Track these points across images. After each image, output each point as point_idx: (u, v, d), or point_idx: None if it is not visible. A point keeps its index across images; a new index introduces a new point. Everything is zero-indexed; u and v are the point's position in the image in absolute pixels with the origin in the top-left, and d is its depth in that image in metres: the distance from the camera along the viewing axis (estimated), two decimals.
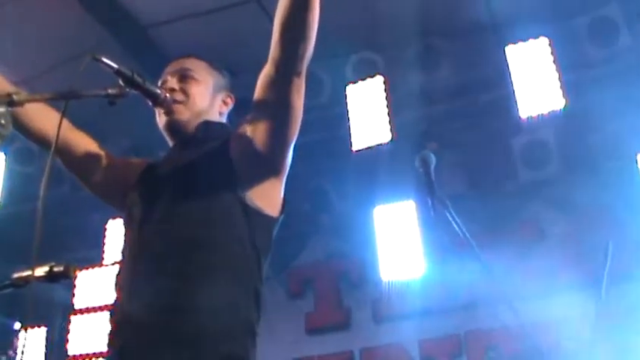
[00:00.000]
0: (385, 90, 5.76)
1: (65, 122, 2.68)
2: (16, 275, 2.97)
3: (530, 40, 5.54)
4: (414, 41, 5.87)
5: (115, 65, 2.35)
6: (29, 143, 7.13)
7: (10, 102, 1.93)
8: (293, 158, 2.59)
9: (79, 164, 2.83)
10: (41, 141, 2.75)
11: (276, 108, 2.49)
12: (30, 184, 7.05)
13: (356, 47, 6.02)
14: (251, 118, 2.54)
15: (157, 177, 2.65)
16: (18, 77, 6.55)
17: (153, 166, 2.75)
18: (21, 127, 2.69)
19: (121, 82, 2.36)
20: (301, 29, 2.38)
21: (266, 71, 2.48)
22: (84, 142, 2.83)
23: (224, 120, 2.89)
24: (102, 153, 2.83)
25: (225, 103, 2.89)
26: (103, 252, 6.89)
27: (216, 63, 2.95)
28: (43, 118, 2.67)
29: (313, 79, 6.01)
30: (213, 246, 2.40)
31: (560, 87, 5.40)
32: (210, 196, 2.47)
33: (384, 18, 5.88)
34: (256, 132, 2.50)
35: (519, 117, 5.47)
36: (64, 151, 2.77)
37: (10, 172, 6.75)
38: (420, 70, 5.86)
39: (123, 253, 2.59)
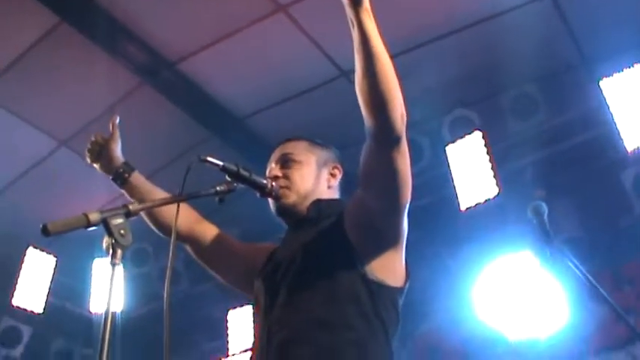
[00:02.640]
0: (485, 145, 5.71)
1: (193, 214, 2.87)
2: None
3: (625, 70, 5.41)
4: (505, 91, 5.84)
5: (220, 163, 2.42)
6: (143, 244, 7.37)
7: (127, 213, 2.01)
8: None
9: (208, 254, 2.93)
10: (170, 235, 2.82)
11: (383, 176, 2.43)
12: (147, 284, 7.24)
13: (449, 107, 6.02)
14: (361, 191, 2.52)
15: (276, 262, 2.66)
16: None
17: (275, 250, 2.79)
18: (154, 224, 2.95)
19: (227, 177, 2.44)
20: (380, 92, 2.30)
21: (366, 143, 2.45)
22: (211, 232, 2.93)
23: (336, 193, 2.91)
24: (230, 241, 2.92)
25: (332, 175, 2.90)
26: (228, 342, 6.95)
27: (318, 139, 2.99)
28: (171, 214, 2.70)
29: (412, 145, 6.00)
30: (339, 325, 2.38)
31: None
32: (330, 275, 2.45)
33: (473, 73, 5.89)
34: (368, 203, 2.48)
35: (626, 150, 5.32)
36: (193, 242, 2.88)
37: (126, 275, 6.95)
38: (517, 119, 5.81)
39: (253, 343, 2.61)
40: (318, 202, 2.75)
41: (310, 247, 2.55)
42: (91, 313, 7.09)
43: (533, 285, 5.55)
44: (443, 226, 6.06)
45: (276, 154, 2.87)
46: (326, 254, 2.51)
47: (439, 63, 5.84)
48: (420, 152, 6.05)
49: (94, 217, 1.92)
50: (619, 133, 5.31)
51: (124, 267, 7.06)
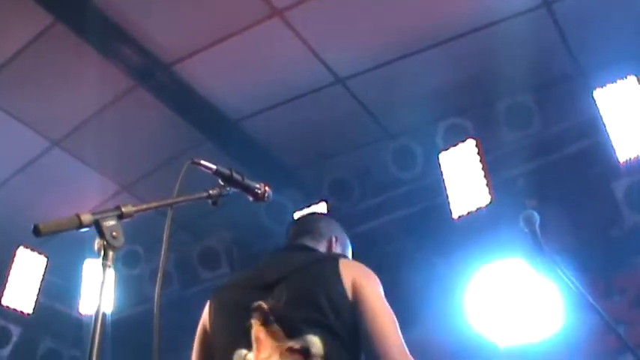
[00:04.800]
0: (478, 153, 5.72)
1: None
2: None
3: (619, 81, 5.43)
4: (500, 100, 5.85)
5: (213, 166, 2.41)
6: (135, 246, 7.35)
7: (119, 215, 2.00)
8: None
9: None
10: None
11: None
12: (138, 286, 7.23)
13: (443, 114, 6.03)
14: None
15: None
16: (119, 185, 6.82)
17: None
18: None
19: (220, 181, 2.43)
20: None
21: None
22: None
23: None
24: None
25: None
26: None
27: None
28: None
29: (405, 152, 6.04)
30: None
31: None
32: None
33: (468, 81, 5.91)
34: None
35: (618, 161, 5.33)
36: None
37: (117, 276, 6.92)
38: (510, 128, 5.81)
39: None
40: None
41: None
42: (80, 314, 7.06)
43: (525, 292, 5.56)
44: (435, 233, 6.06)
45: None
46: None
47: (434, 70, 5.84)
48: (413, 159, 6.04)
49: (86, 218, 1.91)
50: (612, 144, 5.32)
51: (114, 268, 7.05)
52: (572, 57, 5.81)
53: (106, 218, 1.95)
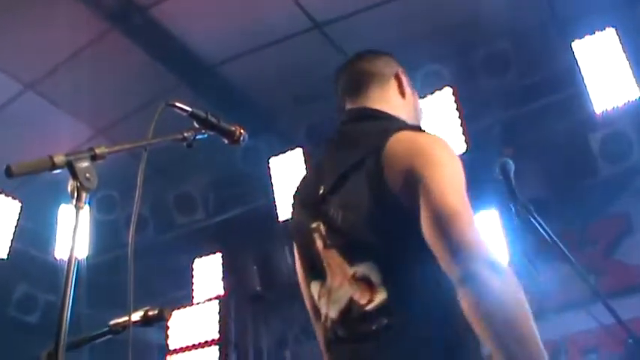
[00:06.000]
0: (455, 101, 5.70)
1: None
2: (113, 322, 3.04)
3: (597, 33, 5.43)
4: (477, 48, 5.84)
5: (188, 108, 2.38)
6: (111, 191, 7.31)
7: (92, 156, 1.98)
8: None
9: None
10: None
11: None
12: (113, 231, 7.22)
13: (420, 61, 6.00)
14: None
15: None
16: (95, 129, 6.76)
17: None
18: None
19: (195, 124, 2.41)
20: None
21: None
22: None
23: None
24: None
25: None
26: (193, 291, 6.96)
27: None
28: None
29: None
30: None
31: (633, 76, 5.28)
32: None
33: (445, 28, 5.87)
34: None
35: (594, 112, 5.35)
36: None
37: (92, 222, 6.91)
38: (487, 76, 5.81)
39: None
40: None
41: None
42: (55, 259, 7.05)
43: (499, 242, 5.61)
44: None
45: None
46: None
47: (412, 17, 5.80)
48: None
49: (59, 159, 1.89)
50: (589, 95, 5.34)
51: (90, 213, 6.99)
52: (551, 6, 5.79)
53: (79, 159, 1.93)
